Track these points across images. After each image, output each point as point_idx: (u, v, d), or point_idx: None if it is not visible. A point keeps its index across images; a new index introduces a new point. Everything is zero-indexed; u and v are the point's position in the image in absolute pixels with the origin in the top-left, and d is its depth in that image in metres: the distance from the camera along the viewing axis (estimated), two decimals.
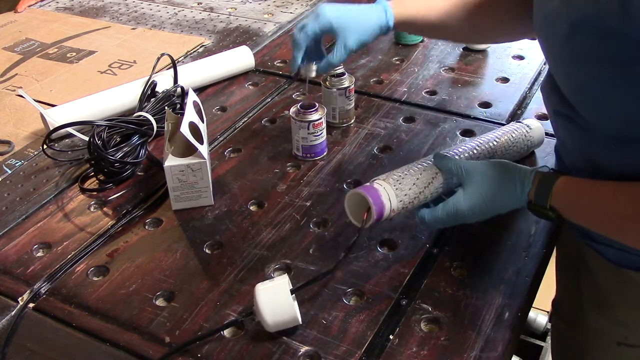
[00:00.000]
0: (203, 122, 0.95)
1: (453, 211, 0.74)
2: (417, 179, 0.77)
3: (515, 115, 1.07)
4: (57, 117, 1.05)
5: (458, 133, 1.03)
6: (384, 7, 0.87)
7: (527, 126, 0.93)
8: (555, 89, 0.73)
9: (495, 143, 0.87)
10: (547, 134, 0.96)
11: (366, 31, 0.86)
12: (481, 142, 0.86)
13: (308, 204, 0.90)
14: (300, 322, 0.70)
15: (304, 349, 0.69)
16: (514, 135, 0.90)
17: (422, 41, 1.32)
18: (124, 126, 0.98)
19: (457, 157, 0.82)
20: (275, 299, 0.69)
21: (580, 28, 0.62)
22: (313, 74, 0.91)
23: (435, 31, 0.93)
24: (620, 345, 0.83)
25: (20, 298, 0.78)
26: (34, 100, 1.07)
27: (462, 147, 0.84)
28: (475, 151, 0.84)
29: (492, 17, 0.87)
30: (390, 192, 0.75)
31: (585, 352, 0.91)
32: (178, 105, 1.08)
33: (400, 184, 0.76)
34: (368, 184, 0.77)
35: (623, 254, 0.76)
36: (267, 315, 0.68)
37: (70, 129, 1.00)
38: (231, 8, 1.55)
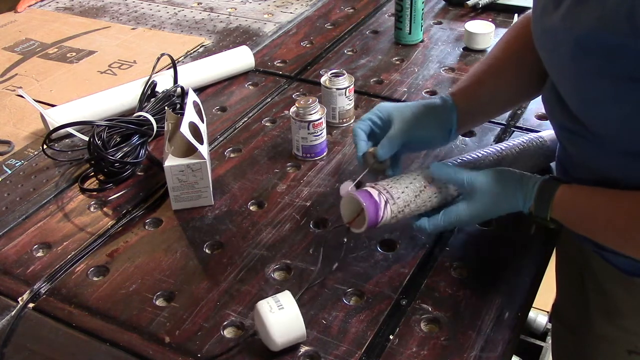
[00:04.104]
0: (203, 122, 0.95)
1: (455, 220, 0.75)
2: (411, 183, 0.76)
3: (515, 115, 1.07)
4: (57, 117, 1.05)
5: None
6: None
7: (542, 139, 0.89)
8: (560, 103, 0.72)
9: (504, 154, 0.85)
10: None
11: None
12: (489, 152, 0.85)
13: (308, 204, 0.90)
14: (306, 338, 0.69)
15: (304, 349, 0.69)
16: (526, 147, 0.87)
17: (422, 41, 1.32)
18: (124, 126, 0.98)
19: (458, 164, 0.82)
20: (285, 324, 0.67)
21: (586, 45, 0.61)
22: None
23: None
24: (631, 353, 0.83)
25: (20, 298, 0.78)
26: (34, 100, 1.07)
27: (469, 157, 0.83)
28: (481, 162, 0.83)
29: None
30: (382, 189, 0.75)
31: (591, 358, 0.90)
32: (178, 105, 1.08)
33: (393, 183, 0.76)
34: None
35: (634, 262, 0.76)
36: (278, 340, 0.67)
37: (70, 129, 1.00)
38: (231, 8, 1.55)
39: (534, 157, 0.88)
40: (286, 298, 0.69)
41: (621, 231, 0.67)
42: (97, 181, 0.97)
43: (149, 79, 1.12)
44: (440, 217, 0.75)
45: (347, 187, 0.77)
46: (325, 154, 1.00)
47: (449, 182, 0.76)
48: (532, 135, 0.91)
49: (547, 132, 0.92)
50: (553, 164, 0.90)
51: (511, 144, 0.87)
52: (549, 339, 1.57)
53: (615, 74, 0.61)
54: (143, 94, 1.09)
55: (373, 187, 0.75)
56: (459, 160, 0.83)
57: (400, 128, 0.80)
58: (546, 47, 0.70)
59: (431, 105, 0.82)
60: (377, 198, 0.74)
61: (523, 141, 0.88)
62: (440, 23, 1.40)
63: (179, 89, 1.11)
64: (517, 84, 0.84)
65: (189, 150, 0.88)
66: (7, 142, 1.08)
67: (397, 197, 0.74)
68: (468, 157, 0.84)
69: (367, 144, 0.83)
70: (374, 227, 0.74)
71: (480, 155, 0.84)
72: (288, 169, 0.98)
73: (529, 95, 0.88)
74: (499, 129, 1.04)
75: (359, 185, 0.78)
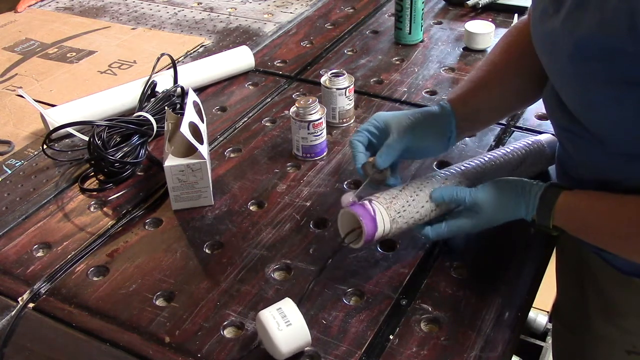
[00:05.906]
0: (203, 122, 0.95)
1: (458, 232, 0.76)
2: (411, 197, 0.76)
3: (515, 115, 1.07)
4: (57, 117, 1.05)
5: None
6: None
7: (541, 143, 0.89)
8: (560, 103, 0.72)
9: (503, 160, 0.85)
10: None
11: None
12: (488, 159, 0.84)
13: (308, 204, 0.90)
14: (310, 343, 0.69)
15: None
16: (526, 153, 0.87)
17: (422, 41, 1.32)
18: (124, 126, 0.98)
19: (459, 172, 0.81)
20: (292, 338, 0.66)
21: (585, 48, 0.61)
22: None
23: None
24: (630, 353, 0.83)
25: (20, 298, 0.78)
26: (34, 100, 1.07)
27: (468, 164, 0.83)
28: (479, 168, 0.83)
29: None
30: (382, 209, 0.74)
31: (590, 359, 0.90)
32: (178, 105, 1.08)
33: (393, 198, 0.75)
34: (359, 202, 0.75)
35: (633, 263, 0.75)
36: (284, 351, 0.66)
37: (70, 129, 1.00)
38: (231, 8, 1.55)
39: (534, 163, 0.88)
40: (290, 309, 0.67)
41: (623, 237, 0.67)
42: (97, 181, 0.97)
43: (149, 79, 1.12)
44: (444, 227, 0.76)
45: (349, 197, 0.76)
46: (325, 154, 1.00)
47: (451, 203, 0.76)
48: (531, 139, 0.90)
49: (545, 135, 0.92)
50: (551, 168, 0.90)
51: (510, 150, 0.87)
52: (549, 339, 1.57)
53: (615, 78, 0.61)
54: (143, 94, 1.09)
55: (373, 203, 0.74)
56: (460, 169, 0.82)
57: (398, 136, 0.79)
58: (546, 50, 0.70)
59: (429, 113, 0.82)
60: (375, 217, 0.73)
61: (523, 146, 0.88)
62: (440, 23, 1.40)
63: (179, 89, 1.11)
64: (516, 90, 0.84)
65: (189, 150, 0.88)
66: (7, 142, 1.08)
67: (397, 214, 0.74)
68: (467, 165, 0.83)
69: (365, 155, 0.81)
70: (370, 242, 0.75)
71: (479, 162, 0.83)
72: (288, 169, 0.98)
73: (528, 101, 0.87)
74: (499, 129, 1.04)
75: (360, 197, 0.77)
